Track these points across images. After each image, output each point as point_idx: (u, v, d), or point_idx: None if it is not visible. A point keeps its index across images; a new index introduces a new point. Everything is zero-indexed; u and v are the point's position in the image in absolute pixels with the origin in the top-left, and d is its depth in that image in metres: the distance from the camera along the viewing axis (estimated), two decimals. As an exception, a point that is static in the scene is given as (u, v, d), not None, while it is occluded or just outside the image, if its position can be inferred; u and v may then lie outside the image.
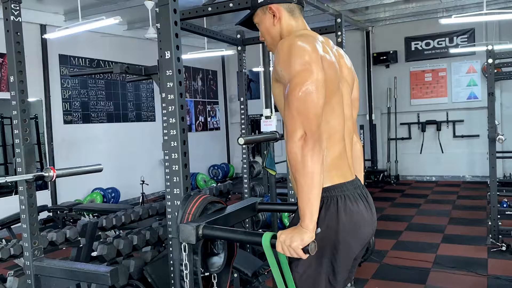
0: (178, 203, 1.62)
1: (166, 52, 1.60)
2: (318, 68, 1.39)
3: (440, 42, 9.02)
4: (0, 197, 6.32)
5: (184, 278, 1.52)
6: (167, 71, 1.60)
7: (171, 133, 1.63)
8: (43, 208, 4.22)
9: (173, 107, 1.61)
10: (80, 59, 7.38)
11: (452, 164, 8.98)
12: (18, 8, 1.96)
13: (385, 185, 8.79)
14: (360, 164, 1.75)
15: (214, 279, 1.66)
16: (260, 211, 1.84)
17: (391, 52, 9.29)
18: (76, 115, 7.42)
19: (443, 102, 9.06)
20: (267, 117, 4.10)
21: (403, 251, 4.54)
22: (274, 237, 1.29)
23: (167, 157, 1.82)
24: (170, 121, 1.63)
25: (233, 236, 1.42)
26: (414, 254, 4.41)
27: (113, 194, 7.52)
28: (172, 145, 1.63)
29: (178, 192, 1.63)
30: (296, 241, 1.24)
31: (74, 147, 7.18)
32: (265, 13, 1.58)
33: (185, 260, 1.51)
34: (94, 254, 3.13)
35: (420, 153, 9.26)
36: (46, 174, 1.98)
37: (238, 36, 3.73)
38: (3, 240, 3.75)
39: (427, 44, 9.14)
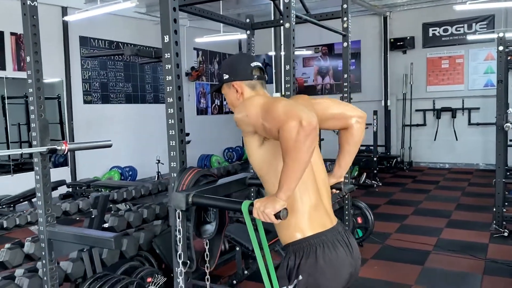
0: (175, 175, 1.77)
1: (165, 36, 1.74)
2: (293, 102, 1.46)
3: (458, 29, 8.92)
4: (23, 173, 6.62)
5: (177, 242, 1.69)
6: (166, 54, 1.75)
7: (169, 112, 1.78)
8: (61, 182, 4.46)
9: (171, 87, 1.76)
10: (99, 41, 7.58)
11: (466, 151, 8.96)
12: (34, -8, 2.13)
13: (398, 171, 8.83)
14: (355, 149, 1.81)
15: (206, 245, 1.82)
16: (250, 185, 1.99)
17: (408, 37, 9.23)
18: (95, 96, 7.67)
19: (459, 89, 9.00)
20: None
21: (406, 234, 4.64)
22: (252, 204, 1.44)
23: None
24: (169, 100, 1.77)
25: (218, 204, 1.58)
26: (417, 237, 4.52)
27: (130, 172, 7.79)
28: (170, 122, 1.78)
29: (174, 166, 1.79)
30: (269, 208, 1.38)
31: (93, 126, 7.43)
32: (230, 88, 1.70)
33: (179, 226, 1.67)
34: (105, 225, 3.34)
35: (434, 140, 9.25)
36: (59, 148, 2.16)
37: (247, 20, 3.84)
38: (24, 212, 4.01)
39: (445, 30, 9.04)
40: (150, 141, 8.20)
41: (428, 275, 3.55)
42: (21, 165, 6.99)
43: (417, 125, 9.42)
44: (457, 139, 9.03)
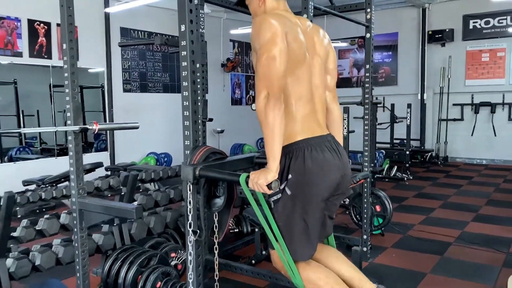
0: (188, 152, 1.95)
1: (181, 25, 1.91)
2: (281, 40, 1.64)
3: (501, 21, 8.65)
4: (65, 156, 7.05)
5: (188, 212, 1.86)
6: (182, 42, 1.92)
7: (184, 94, 1.96)
8: (99, 164, 4.76)
9: (186, 72, 1.93)
10: (139, 32, 7.91)
11: (505, 148, 8.72)
12: (70, -14, 2.35)
13: (432, 165, 8.72)
14: (338, 126, 2.00)
15: (216, 217, 1.99)
16: (256, 164, 2.14)
17: (447, 30, 9.04)
18: (134, 85, 8.01)
19: (500, 84, 8.74)
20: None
21: (429, 226, 4.66)
22: (249, 176, 1.60)
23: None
24: (184, 84, 1.95)
25: (221, 176, 1.74)
26: (440, 229, 4.52)
27: (165, 159, 8.11)
28: (184, 104, 1.95)
29: (188, 143, 1.96)
30: (261, 179, 1.54)
31: (132, 114, 7.78)
32: None
33: (189, 198, 1.85)
34: (134, 203, 3.59)
35: (472, 135, 9.04)
36: (90, 127, 2.39)
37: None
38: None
39: (487, 23, 8.79)
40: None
41: (444, 265, 3.59)
42: (65, 149, 7.44)
43: (454, 119, 9.23)
44: (495, 135, 8.79)
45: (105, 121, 7.66)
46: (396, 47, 9.83)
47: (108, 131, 7.47)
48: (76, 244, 2.48)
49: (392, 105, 8.36)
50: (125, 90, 7.82)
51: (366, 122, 3.65)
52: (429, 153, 8.96)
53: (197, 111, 1.96)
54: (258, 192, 1.62)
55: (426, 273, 3.44)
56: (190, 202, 1.86)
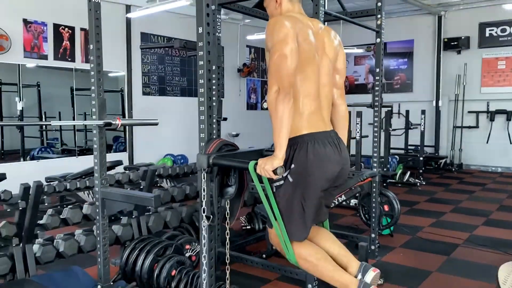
0: (203, 144, 2.11)
1: (199, 27, 2.09)
2: (293, 41, 1.80)
3: (517, 29, 8.66)
4: (85, 155, 7.32)
5: (202, 198, 2.02)
6: (199, 43, 2.09)
7: (200, 91, 2.12)
8: (118, 162, 4.97)
9: (202, 71, 2.10)
10: (158, 37, 8.16)
11: (521, 155, 8.69)
12: (98, -8, 2.55)
13: (445, 172, 8.74)
14: (343, 122, 2.15)
15: (227, 204, 2.14)
16: (265, 156, 2.28)
17: (463, 37, 9.07)
18: (153, 88, 8.25)
19: (516, 91, 8.74)
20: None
21: (438, 228, 4.73)
22: (257, 163, 1.75)
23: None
24: (200, 82, 2.11)
25: (232, 164, 1.90)
26: (449, 231, 4.59)
27: (182, 160, 8.32)
28: (200, 100, 2.12)
29: (203, 136, 2.13)
30: (268, 165, 1.70)
31: (150, 116, 7.96)
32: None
33: (203, 185, 2.01)
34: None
35: (487, 142, 9.03)
36: (113, 122, 2.57)
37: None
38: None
39: (503, 31, 8.80)
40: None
41: (450, 265, 3.67)
42: (85, 150, 7.72)
43: (469, 127, 9.24)
44: (511, 143, 8.77)
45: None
46: (412, 54, 9.89)
47: (127, 133, 7.71)
48: (98, 231, 2.66)
49: (407, 112, 8.41)
50: (144, 93, 8.06)
51: (376, 124, 3.77)
52: (443, 160, 8.98)
53: (211, 106, 2.13)
54: (264, 177, 1.79)
55: (432, 271, 3.53)
56: (204, 190, 2.02)
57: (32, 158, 7.13)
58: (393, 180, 7.19)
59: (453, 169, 8.87)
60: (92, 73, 2.58)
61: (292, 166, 1.87)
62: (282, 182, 1.90)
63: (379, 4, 3.65)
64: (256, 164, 1.77)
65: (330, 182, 1.95)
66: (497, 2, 8.44)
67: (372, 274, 2.04)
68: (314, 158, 1.88)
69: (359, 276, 2.03)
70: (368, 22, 4.02)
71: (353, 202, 5.28)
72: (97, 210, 2.63)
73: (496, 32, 8.89)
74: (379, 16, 3.65)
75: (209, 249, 2.14)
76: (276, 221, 1.90)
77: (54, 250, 2.97)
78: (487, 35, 8.99)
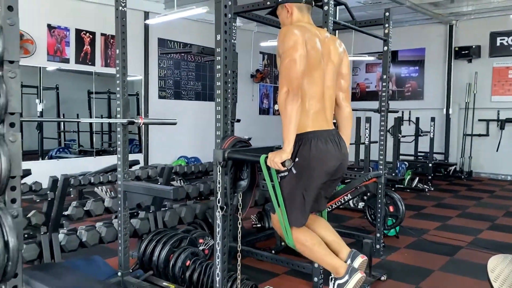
0: (219, 141, 2.31)
1: (217, 35, 2.30)
2: (301, 47, 2.01)
3: (528, 38, 8.75)
4: (102, 156, 7.58)
5: (217, 190, 2.22)
6: (217, 49, 2.29)
7: (217, 92, 2.33)
8: (136, 162, 5.20)
9: (219, 74, 2.30)
10: (175, 43, 8.43)
11: (531, 164, 8.75)
12: (124, 1, 2.78)
13: (455, 179, 8.82)
14: (347, 122, 2.35)
15: (240, 196, 2.34)
16: (275, 152, 2.48)
17: (474, 46, 9.18)
18: (169, 92, 8.52)
19: (527, 100, 8.81)
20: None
21: (444, 231, 4.86)
22: (267, 157, 1.96)
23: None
24: (217, 84, 2.32)
25: (245, 157, 2.10)
26: (454, 234, 4.72)
27: (195, 162, 8.53)
28: (217, 100, 2.32)
29: (219, 134, 2.33)
30: (277, 157, 1.91)
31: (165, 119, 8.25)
32: (283, 8, 2.32)
33: (219, 178, 2.20)
34: (168, 194, 3.97)
35: (497, 151, 9.10)
36: (136, 121, 2.79)
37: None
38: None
39: (514, 40, 8.90)
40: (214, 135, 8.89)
41: (453, 265, 3.81)
42: (101, 152, 8.00)
43: (479, 135, 9.32)
44: (521, 151, 8.84)
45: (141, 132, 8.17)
46: (423, 62, 10.02)
47: (143, 135, 7.97)
48: (120, 221, 2.87)
49: (417, 119, 8.54)
50: (160, 97, 8.32)
51: (382, 128, 3.95)
52: (453, 167, 9.07)
53: (227, 107, 2.33)
54: (272, 169, 2.01)
55: (434, 270, 3.68)
56: (219, 182, 2.21)
57: (50, 158, 7.41)
58: (401, 186, 7.31)
59: (463, 176, 8.96)
60: (118, 75, 2.80)
61: (297, 159, 2.09)
62: (286, 173, 2.12)
63: (387, 14, 3.84)
64: (267, 157, 1.98)
65: (330, 176, 2.17)
66: (508, 11, 8.55)
67: (360, 260, 2.26)
68: (316, 153, 2.09)
69: (349, 261, 2.25)
70: (378, 31, 4.19)
71: (360, 205, 5.44)
72: (119, 202, 2.84)
73: (507, 42, 8.99)
74: (386, 25, 3.83)
75: (223, 237, 2.33)
76: (279, 207, 2.10)
77: (78, 239, 3.19)
78: (498, 44, 9.09)
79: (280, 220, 2.16)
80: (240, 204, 2.35)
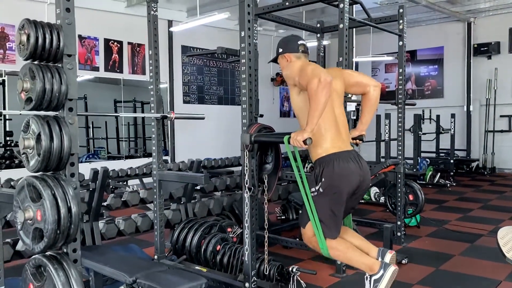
0: (245, 128, 2.54)
1: (242, 31, 2.53)
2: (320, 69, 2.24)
3: (548, 32, 8.73)
4: (131, 159, 7.90)
5: (245, 172, 2.44)
6: (242, 44, 2.52)
7: (243, 84, 2.56)
8: (165, 161, 5.47)
9: (244, 67, 2.53)
10: (197, 49, 8.74)
11: (555, 158, 8.69)
12: (155, 6, 3.05)
13: (477, 175, 8.83)
14: (371, 107, 2.52)
15: (266, 178, 2.55)
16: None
17: (493, 43, 9.20)
18: (193, 97, 8.82)
19: (549, 94, 8.78)
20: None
21: (465, 222, 4.96)
22: (290, 137, 2.18)
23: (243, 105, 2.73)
24: (242, 76, 2.55)
25: (270, 139, 2.32)
26: (475, 224, 4.82)
27: (219, 165, 8.80)
28: (243, 91, 2.55)
29: (245, 122, 2.55)
30: (299, 136, 2.12)
31: (190, 123, 8.54)
32: (283, 58, 2.56)
33: (246, 161, 2.42)
34: (197, 187, 4.22)
35: (520, 146, 9.07)
36: (169, 115, 3.05)
37: (318, 25, 4.53)
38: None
39: (534, 35, 8.89)
40: (237, 138, 9.08)
41: (473, 250, 3.93)
42: (130, 157, 8.35)
43: (502, 131, 9.30)
44: (544, 146, 8.79)
45: (164, 129, 8.47)
46: (442, 60, 10.08)
47: (169, 137, 8.29)
48: (155, 208, 3.12)
49: (438, 116, 8.60)
50: (184, 102, 8.63)
51: (400, 120, 4.11)
52: (475, 163, 9.08)
53: (252, 97, 2.55)
54: (306, 186, 2.26)
55: (454, 255, 3.80)
56: (246, 165, 2.43)
57: (80, 163, 7.76)
58: (423, 182, 7.39)
59: (486, 172, 8.95)
60: (151, 74, 3.06)
61: (323, 180, 2.31)
62: (316, 193, 2.35)
63: (401, 10, 4.01)
64: (290, 137, 2.18)
65: (353, 190, 2.38)
66: (527, 7, 8.57)
67: (389, 256, 2.46)
68: (340, 172, 2.30)
69: (379, 259, 2.45)
70: (391, 27, 4.36)
71: (382, 199, 5.58)
72: (155, 191, 3.09)
73: (526, 37, 8.98)
74: (401, 21, 4.00)
75: (251, 215, 2.55)
76: (315, 222, 2.33)
77: (116, 228, 3.46)
78: (517, 39, 9.09)
79: (316, 233, 2.37)
80: (265, 186, 2.56)
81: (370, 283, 2.40)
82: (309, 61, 2.54)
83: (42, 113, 1.78)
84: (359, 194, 2.47)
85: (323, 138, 2.33)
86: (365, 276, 2.45)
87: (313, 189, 2.33)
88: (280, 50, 2.53)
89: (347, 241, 2.50)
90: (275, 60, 2.63)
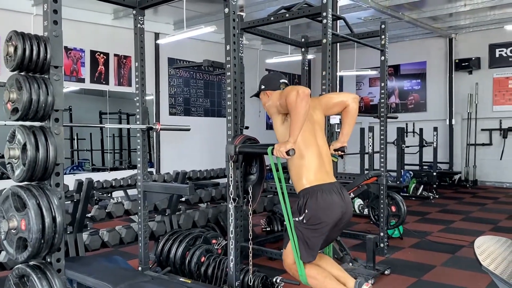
0: (230, 139, 2.57)
1: (227, 45, 2.58)
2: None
3: (526, 49, 9.01)
4: (115, 171, 7.86)
5: (230, 183, 2.47)
6: (227, 57, 2.58)
7: (228, 96, 2.60)
8: (150, 172, 5.47)
9: (229, 80, 2.58)
10: (183, 62, 8.79)
11: (534, 171, 8.89)
12: (142, 19, 3.09)
13: (460, 188, 8.98)
14: (351, 119, 2.57)
15: (250, 189, 2.58)
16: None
17: (473, 58, 9.45)
18: (179, 109, 8.84)
19: (528, 109, 9.01)
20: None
21: (447, 233, 5.05)
22: (273, 148, 2.21)
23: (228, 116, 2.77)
24: (228, 89, 2.59)
25: (254, 150, 2.35)
26: (456, 235, 4.90)
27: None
28: (228, 103, 2.60)
29: (230, 133, 2.59)
30: (282, 147, 2.16)
31: (176, 135, 8.53)
32: (264, 94, 2.64)
33: (231, 172, 2.45)
34: (183, 199, 4.23)
35: (500, 159, 9.26)
36: (154, 127, 3.06)
37: (303, 39, 4.62)
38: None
39: (512, 51, 9.16)
40: (223, 150, 9.14)
41: (454, 261, 4.00)
42: (114, 169, 8.31)
43: (483, 144, 9.50)
44: (524, 159, 9.00)
45: (150, 141, 8.47)
46: (425, 75, 10.29)
47: (154, 149, 8.27)
48: (140, 220, 3.12)
49: (421, 130, 8.75)
50: (170, 114, 8.64)
51: (382, 132, 4.19)
52: (458, 176, 9.24)
53: (237, 108, 2.60)
54: (289, 212, 2.32)
55: (436, 265, 3.87)
56: (231, 176, 2.46)
57: (64, 174, 7.68)
58: (406, 194, 7.49)
59: (468, 185, 9.11)
60: (137, 86, 3.09)
61: (306, 211, 2.35)
62: (298, 223, 2.39)
63: (383, 26, 4.12)
64: (273, 148, 2.22)
65: (335, 223, 2.42)
66: (505, 24, 8.82)
67: (366, 287, 2.47)
68: (323, 204, 2.35)
69: None
70: (375, 43, 4.47)
71: (365, 211, 5.64)
72: (139, 202, 3.10)
73: (505, 53, 9.25)
74: (383, 36, 4.11)
75: (235, 226, 2.57)
76: (294, 242, 2.39)
77: (100, 239, 3.44)
78: (497, 55, 9.35)
79: (295, 256, 2.43)
80: (250, 197, 2.59)
81: None
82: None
83: (28, 123, 1.80)
84: (341, 225, 2.51)
85: (306, 169, 2.38)
86: None
87: (296, 219, 2.40)
88: (263, 87, 2.63)
89: (326, 270, 2.54)
90: (257, 95, 2.71)
